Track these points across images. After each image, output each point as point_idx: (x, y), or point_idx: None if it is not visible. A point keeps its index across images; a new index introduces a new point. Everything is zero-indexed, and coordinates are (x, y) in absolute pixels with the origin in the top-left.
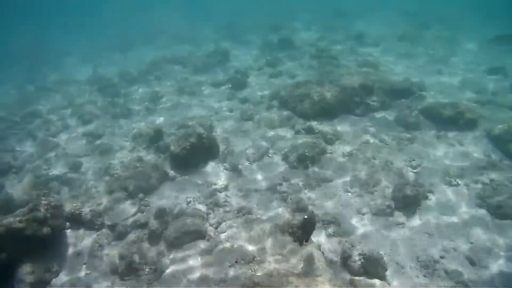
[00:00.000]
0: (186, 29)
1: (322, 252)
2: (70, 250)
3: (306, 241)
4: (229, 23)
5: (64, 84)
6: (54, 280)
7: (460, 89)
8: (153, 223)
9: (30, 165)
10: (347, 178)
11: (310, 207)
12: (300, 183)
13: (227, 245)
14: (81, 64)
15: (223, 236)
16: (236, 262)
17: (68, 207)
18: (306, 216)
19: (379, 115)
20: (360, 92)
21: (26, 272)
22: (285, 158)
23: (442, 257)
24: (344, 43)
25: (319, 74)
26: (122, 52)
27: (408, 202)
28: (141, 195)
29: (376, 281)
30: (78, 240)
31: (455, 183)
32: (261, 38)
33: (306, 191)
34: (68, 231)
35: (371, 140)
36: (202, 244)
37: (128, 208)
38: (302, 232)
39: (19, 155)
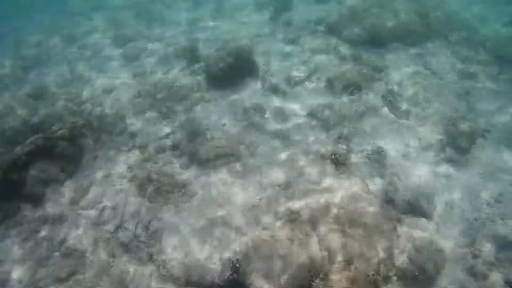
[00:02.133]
0: None
1: (367, 184)
2: (99, 171)
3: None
4: None
5: (100, 9)
6: (83, 200)
7: None
8: (186, 145)
9: (63, 89)
10: (394, 109)
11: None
12: (344, 111)
13: (263, 169)
14: None
15: (258, 159)
16: (272, 187)
17: (99, 126)
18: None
19: (434, 46)
20: (415, 19)
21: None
22: (329, 84)
23: (498, 202)
24: None
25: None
26: None
27: (462, 138)
28: (174, 116)
29: (423, 220)
30: (108, 161)
31: None
32: None
33: (350, 120)
34: (98, 150)
35: (424, 71)
36: (235, 167)
37: (161, 128)
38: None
39: (53, 78)
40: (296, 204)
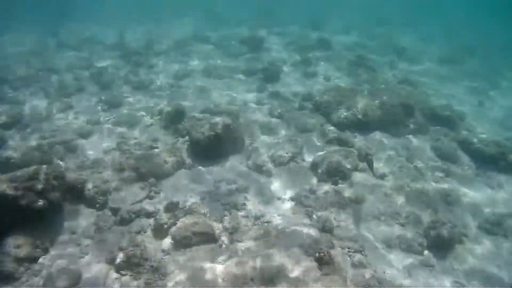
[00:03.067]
0: (223, 10)
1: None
2: (65, 227)
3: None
4: (268, 10)
5: (87, 43)
6: (42, 258)
7: (501, 126)
8: (162, 216)
9: (38, 124)
10: (378, 203)
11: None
12: (328, 200)
13: (242, 257)
14: (108, 27)
15: (238, 245)
16: (251, 280)
17: (70, 178)
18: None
19: (416, 139)
20: (400, 111)
21: (14, 245)
22: (313, 167)
23: None
24: (384, 54)
25: (357, 83)
26: (151, 23)
27: (441, 243)
28: (152, 179)
29: None
30: (76, 218)
31: (493, 231)
32: (298, 32)
33: (333, 209)
34: (66, 205)
35: (406, 165)
36: (213, 250)
37: (137, 191)
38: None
39: (28, 110)
40: None
